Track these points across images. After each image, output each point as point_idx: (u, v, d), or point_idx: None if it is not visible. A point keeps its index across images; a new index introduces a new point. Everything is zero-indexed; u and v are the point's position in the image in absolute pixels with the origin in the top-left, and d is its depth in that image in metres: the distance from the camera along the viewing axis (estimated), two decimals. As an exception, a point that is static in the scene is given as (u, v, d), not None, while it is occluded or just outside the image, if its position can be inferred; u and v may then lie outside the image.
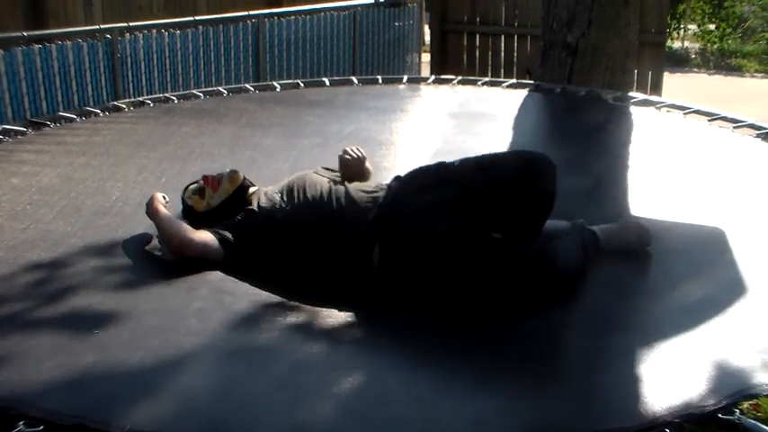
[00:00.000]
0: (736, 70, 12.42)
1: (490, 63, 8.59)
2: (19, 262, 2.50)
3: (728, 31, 13.53)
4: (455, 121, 4.25)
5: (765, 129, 3.83)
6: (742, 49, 13.24)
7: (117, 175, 3.37)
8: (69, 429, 1.65)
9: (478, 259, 2.24)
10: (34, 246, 2.64)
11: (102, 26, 6.18)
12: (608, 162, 3.53)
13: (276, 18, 7.16)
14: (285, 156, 3.57)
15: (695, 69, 12.53)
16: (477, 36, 8.64)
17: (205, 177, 2.72)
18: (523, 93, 4.79)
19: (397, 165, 3.57)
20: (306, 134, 3.93)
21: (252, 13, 6.96)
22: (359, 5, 8.25)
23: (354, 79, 5.26)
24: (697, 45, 13.85)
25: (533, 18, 7.82)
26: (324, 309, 2.18)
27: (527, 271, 2.23)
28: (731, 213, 2.86)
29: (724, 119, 4.07)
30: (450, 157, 3.51)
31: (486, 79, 5.52)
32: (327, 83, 5.13)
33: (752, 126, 3.91)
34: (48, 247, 2.62)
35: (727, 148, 3.70)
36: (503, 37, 8.52)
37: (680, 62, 12.50)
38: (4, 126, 4.13)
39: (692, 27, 14.18)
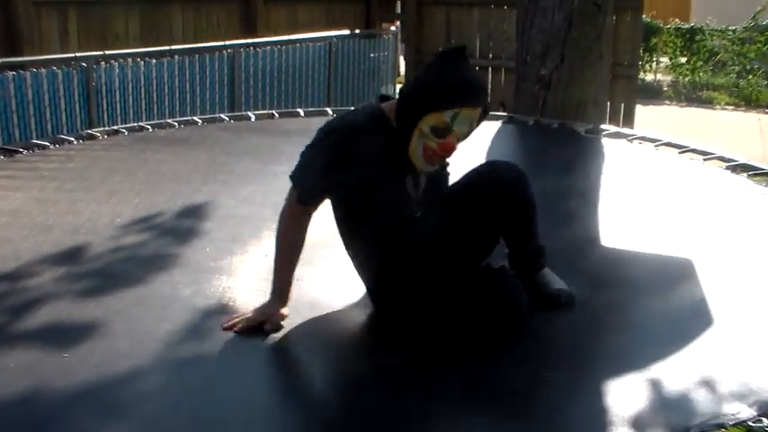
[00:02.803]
0: (708, 103, 12.60)
1: (465, 94, 8.63)
2: (-13, 282, 2.48)
3: (700, 64, 13.75)
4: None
5: (734, 161, 3.89)
6: (713, 82, 13.46)
7: (89, 198, 3.38)
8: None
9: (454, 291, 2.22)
10: (3, 264, 2.63)
11: (77, 54, 6.17)
12: (580, 194, 3.55)
13: (252, 48, 7.19)
14: (259, 179, 3.60)
15: (667, 102, 12.70)
16: (452, 67, 8.68)
17: None
18: (497, 124, 4.81)
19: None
20: (281, 161, 3.84)
21: (227, 43, 6.98)
22: (334, 36, 8.29)
23: (329, 110, 5.27)
24: (669, 78, 14.05)
25: (507, 50, 7.89)
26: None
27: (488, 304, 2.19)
28: (700, 244, 2.89)
29: (694, 151, 4.13)
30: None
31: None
32: (302, 113, 5.13)
33: (721, 158, 3.98)
34: (17, 266, 2.62)
35: (697, 180, 3.75)
36: (477, 69, 8.59)
37: (652, 94, 12.67)
38: (-24, 153, 4.11)
39: (665, 60, 14.40)
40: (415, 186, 2.29)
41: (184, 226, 3.08)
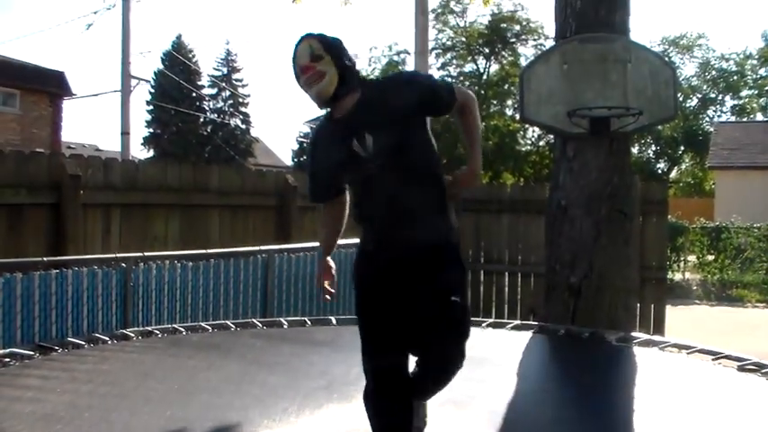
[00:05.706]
0: (737, 300, 12.56)
1: (494, 300, 8.56)
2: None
3: (727, 261, 13.81)
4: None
5: (769, 366, 3.84)
6: (742, 280, 13.46)
7: (122, 406, 3.40)
8: None
9: None
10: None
11: (117, 255, 6.35)
12: (611, 408, 3.51)
13: (285, 253, 7.35)
14: (291, 396, 3.56)
15: (697, 301, 12.66)
16: (482, 273, 8.62)
17: None
18: (528, 335, 4.80)
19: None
20: (311, 375, 3.91)
21: (262, 248, 7.15)
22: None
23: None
24: (698, 276, 14.08)
25: (537, 255, 7.79)
26: None
27: None
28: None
29: (728, 357, 4.08)
30: (457, 408, 3.48)
31: (490, 321, 5.49)
32: (334, 321, 5.15)
33: (756, 364, 3.92)
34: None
35: (733, 391, 3.69)
36: (506, 275, 8.55)
37: (682, 294, 12.67)
38: (12, 349, 4.18)
39: (692, 258, 14.49)
40: (362, 146, 2.74)
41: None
